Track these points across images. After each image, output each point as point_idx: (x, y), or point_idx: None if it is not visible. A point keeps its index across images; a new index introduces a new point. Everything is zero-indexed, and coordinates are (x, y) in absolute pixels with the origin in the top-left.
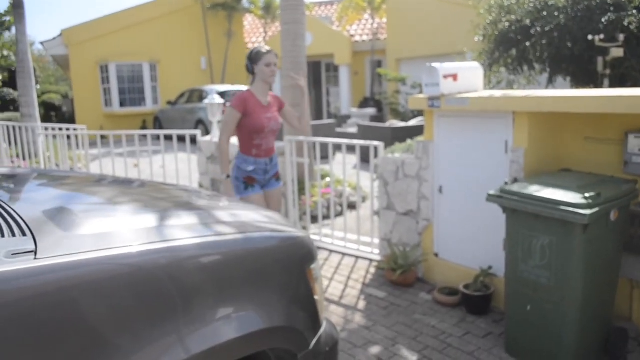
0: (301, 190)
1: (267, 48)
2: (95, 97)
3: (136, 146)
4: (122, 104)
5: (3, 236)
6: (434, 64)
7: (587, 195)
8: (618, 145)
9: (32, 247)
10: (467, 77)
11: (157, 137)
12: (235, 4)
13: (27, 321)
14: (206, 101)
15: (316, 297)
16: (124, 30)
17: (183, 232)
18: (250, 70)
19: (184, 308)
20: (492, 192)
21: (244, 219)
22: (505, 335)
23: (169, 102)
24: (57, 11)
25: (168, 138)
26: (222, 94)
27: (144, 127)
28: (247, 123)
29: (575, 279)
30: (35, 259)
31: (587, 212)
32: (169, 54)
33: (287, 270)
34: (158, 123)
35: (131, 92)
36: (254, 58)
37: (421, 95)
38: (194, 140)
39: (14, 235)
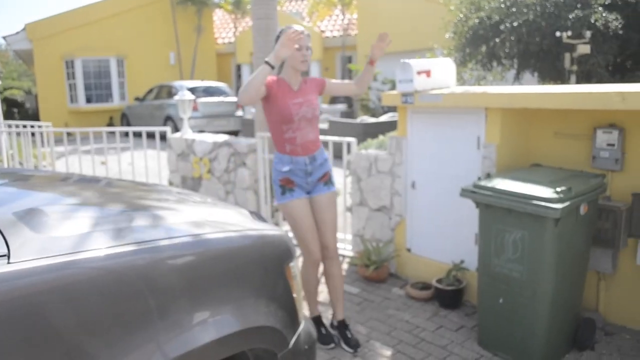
0: (272, 187)
1: (300, 28)
2: (60, 93)
3: (104, 143)
4: (88, 100)
5: None
6: (407, 60)
7: (558, 189)
8: (587, 141)
9: (5, 251)
10: (440, 74)
11: (126, 134)
12: None
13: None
14: (176, 97)
15: (294, 295)
16: (91, 24)
17: (156, 232)
18: None
19: (159, 311)
20: (465, 187)
21: (220, 218)
22: (478, 328)
23: (137, 98)
24: (20, 4)
25: (137, 135)
26: (192, 90)
27: (110, 124)
28: (273, 110)
29: (547, 272)
30: (8, 263)
31: (559, 206)
32: (136, 49)
33: (265, 269)
34: (125, 119)
35: (97, 88)
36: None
37: (394, 92)
38: (163, 137)
39: None
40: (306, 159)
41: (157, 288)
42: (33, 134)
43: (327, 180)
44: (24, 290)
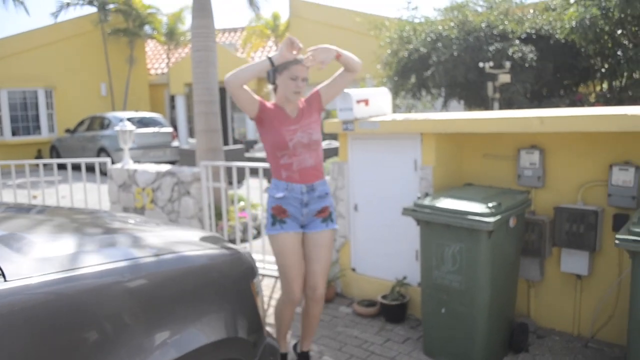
0: (218, 215)
1: (300, 56)
2: None
3: (41, 177)
4: (14, 133)
5: None
6: (347, 90)
7: (489, 205)
8: (512, 161)
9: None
10: (377, 102)
11: (58, 167)
12: (137, 30)
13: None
14: (117, 128)
15: (259, 310)
16: (17, 55)
17: (121, 253)
18: (272, 80)
19: (127, 332)
20: (406, 206)
21: (184, 238)
22: (423, 337)
23: (68, 130)
24: None
25: (66, 168)
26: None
27: (39, 157)
28: (267, 136)
29: (483, 281)
30: (5, 281)
31: (491, 219)
32: (66, 80)
33: (232, 285)
34: (55, 152)
35: (24, 120)
36: (278, 66)
37: (335, 120)
38: (91, 169)
39: None
40: (303, 187)
41: (135, 308)
42: None
43: (326, 216)
44: (21, 305)
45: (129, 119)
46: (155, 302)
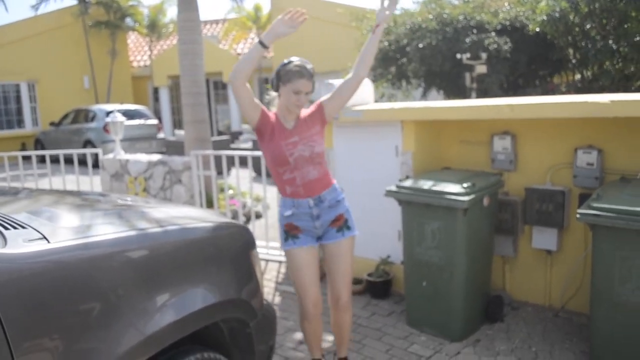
0: (209, 202)
1: (306, 68)
2: None
3: (34, 169)
4: None
5: (7, 230)
6: (331, 81)
7: (464, 185)
8: (486, 146)
9: (40, 235)
10: (359, 91)
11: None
12: (119, 22)
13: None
14: (108, 119)
15: (258, 278)
16: None
17: (147, 224)
18: (274, 87)
19: (158, 283)
20: (389, 188)
21: (192, 214)
22: (406, 310)
23: (52, 123)
24: None
25: (54, 161)
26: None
27: (23, 150)
28: (267, 151)
29: (460, 256)
30: (48, 242)
31: (466, 198)
32: (48, 73)
33: (236, 253)
34: (40, 145)
35: (7, 114)
36: (282, 76)
37: None
38: (83, 161)
39: (15, 229)
40: (310, 200)
41: (154, 267)
42: None
43: (341, 225)
44: (64, 261)
45: (111, 112)
46: (167, 266)
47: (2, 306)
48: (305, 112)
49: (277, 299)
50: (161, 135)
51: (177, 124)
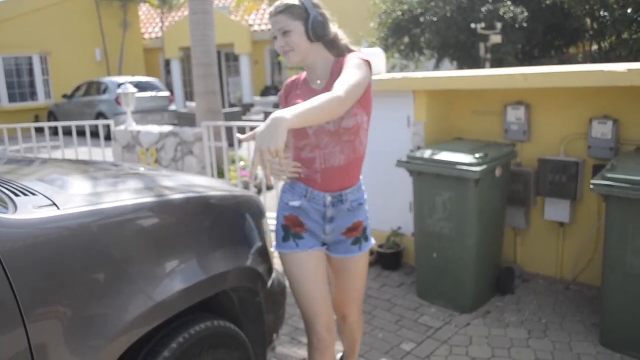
0: (220, 174)
1: (283, 4)
2: None
3: (46, 140)
4: (11, 99)
5: (17, 196)
6: None
7: (476, 155)
8: (499, 116)
9: (50, 202)
10: (372, 62)
11: (55, 133)
12: None
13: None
14: (119, 91)
15: (269, 247)
16: (10, 20)
17: (166, 190)
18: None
19: (165, 254)
20: (400, 158)
21: (208, 183)
22: (416, 281)
23: (65, 96)
24: None
25: (67, 133)
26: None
27: (36, 122)
28: None
29: (471, 227)
30: (58, 209)
31: (477, 169)
32: (60, 45)
33: (246, 222)
34: (53, 117)
35: (20, 86)
36: None
37: None
38: (95, 134)
39: (26, 195)
40: (327, 196)
41: (164, 234)
42: None
43: (358, 235)
44: (72, 227)
45: (123, 84)
46: (177, 233)
47: (12, 271)
48: (339, 66)
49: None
50: (173, 107)
51: (189, 96)
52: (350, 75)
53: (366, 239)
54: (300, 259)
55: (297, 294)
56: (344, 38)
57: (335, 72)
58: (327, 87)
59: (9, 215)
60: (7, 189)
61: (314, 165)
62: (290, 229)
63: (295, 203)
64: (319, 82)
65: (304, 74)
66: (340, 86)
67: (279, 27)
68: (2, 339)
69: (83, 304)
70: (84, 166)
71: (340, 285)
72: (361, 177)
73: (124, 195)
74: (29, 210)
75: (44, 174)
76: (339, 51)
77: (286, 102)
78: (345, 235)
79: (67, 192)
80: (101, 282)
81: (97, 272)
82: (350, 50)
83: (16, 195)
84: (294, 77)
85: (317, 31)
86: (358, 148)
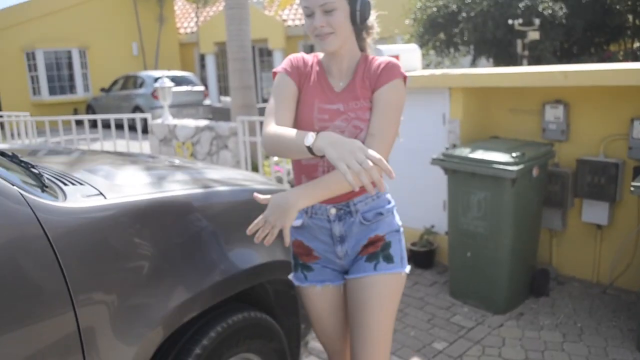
0: (254, 168)
1: None
2: (21, 86)
3: (86, 133)
4: (51, 92)
5: (66, 186)
6: (379, 46)
7: (513, 155)
8: (537, 115)
9: (97, 192)
10: (407, 58)
11: (94, 125)
12: None
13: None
14: (157, 85)
15: None
16: (51, 15)
17: (215, 184)
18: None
19: (206, 245)
20: (435, 156)
21: (246, 176)
22: (449, 280)
23: (103, 89)
24: None
25: (105, 126)
26: (159, 80)
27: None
28: (296, 115)
29: (506, 227)
30: (105, 198)
31: (514, 168)
32: (99, 39)
33: None
34: (91, 111)
35: (60, 80)
36: None
37: None
38: (132, 127)
39: (74, 185)
40: (330, 209)
41: (205, 226)
42: (2, 125)
43: (375, 250)
44: (118, 215)
45: (159, 78)
46: (217, 225)
47: (63, 256)
48: (366, 67)
49: None
50: (207, 101)
51: (223, 90)
52: (390, 122)
53: (388, 258)
54: (310, 294)
55: (313, 326)
56: (375, 28)
57: (360, 73)
58: (349, 93)
59: (60, 204)
60: (56, 178)
61: (316, 173)
62: (298, 259)
63: (297, 222)
64: (341, 83)
65: (315, 57)
66: (378, 144)
67: (322, 3)
68: (54, 321)
69: (128, 291)
70: (126, 158)
71: (356, 319)
72: (385, 184)
73: (168, 186)
74: (78, 199)
75: (89, 165)
76: (364, 44)
77: (300, 89)
78: (363, 254)
79: (111, 182)
80: (145, 271)
81: (141, 260)
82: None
83: (65, 184)
84: (300, 56)
85: (365, 14)
86: None
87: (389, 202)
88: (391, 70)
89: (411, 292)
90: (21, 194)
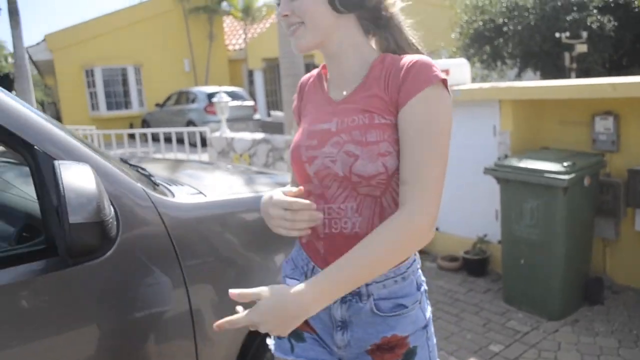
0: None
1: None
2: (81, 102)
3: (149, 146)
4: (109, 108)
5: (171, 186)
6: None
7: (565, 164)
8: (587, 127)
9: (197, 191)
10: (457, 72)
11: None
12: (216, 7)
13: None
14: (214, 99)
15: None
16: (108, 34)
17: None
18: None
19: (276, 247)
20: (487, 166)
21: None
22: (503, 287)
23: (157, 105)
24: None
25: (157, 140)
26: (212, 95)
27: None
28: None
29: (559, 235)
30: (205, 196)
31: (566, 177)
32: (152, 57)
33: None
34: (146, 125)
35: (117, 96)
36: None
37: None
38: (180, 140)
39: (176, 186)
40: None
41: None
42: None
43: (394, 348)
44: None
45: (213, 94)
46: None
47: (178, 243)
48: (384, 69)
49: None
50: (257, 116)
51: (271, 105)
52: (431, 157)
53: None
54: None
55: None
56: (402, 21)
57: (373, 77)
58: (350, 104)
59: (172, 199)
60: (160, 180)
61: (317, 226)
62: None
63: (293, 283)
64: (344, 92)
65: (322, 67)
66: (420, 198)
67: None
68: (171, 300)
69: (226, 275)
70: (207, 165)
71: None
72: (414, 256)
73: (252, 188)
74: (186, 196)
75: (181, 170)
76: (389, 43)
77: (299, 117)
78: (373, 357)
79: (204, 184)
80: (239, 260)
81: (235, 249)
82: (413, 50)
83: (169, 185)
84: (309, 74)
85: None
86: (392, 211)
87: (419, 287)
88: (421, 74)
89: (466, 298)
90: (145, 191)
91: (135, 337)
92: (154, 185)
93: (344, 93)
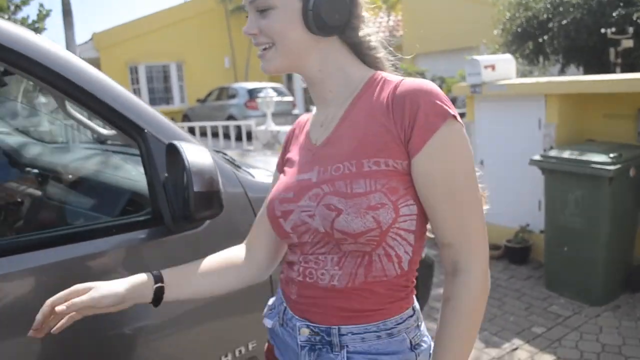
0: None
1: None
2: None
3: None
4: (151, 103)
5: (250, 168)
6: (475, 57)
7: (610, 155)
8: (632, 120)
9: (251, 175)
10: (502, 67)
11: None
12: None
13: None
14: (261, 94)
15: None
16: (152, 32)
17: None
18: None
19: None
20: (533, 157)
21: None
22: (545, 273)
23: (199, 100)
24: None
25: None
26: (252, 91)
27: None
28: None
29: (603, 224)
30: (254, 178)
31: (612, 167)
32: (194, 54)
33: None
34: (187, 120)
35: (159, 92)
36: None
37: (464, 84)
38: (226, 135)
39: (253, 168)
40: (301, 327)
41: None
42: None
43: None
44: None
45: (253, 89)
46: None
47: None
48: (375, 98)
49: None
50: (296, 111)
51: (309, 100)
52: (471, 209)
53: None
54: None
55: None
56: (375, 40)
57: (362, 108)
58: (331, 148)
59: (254, 179)
60: (237, 164)
61: (292, 271)
62: None
63: (268, 323)
64: (328, 129)
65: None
66: (475, 258)
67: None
68: None
69: None
70: (263, 153)
71: None
72: (409, 308)
73: None
74: (265, 177)
75: (245, 158)
76: (373, 60)
77: (282, 169)
78: None
79: (252, 169)
80: None
81: None
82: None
83: (248, 167)
84: (308, 115)
85: (328, 15)
86: (382, 265)
87: (413, 347)
88: (432, 111)
89: (508, 284)
90: (234, 173)
91: (224, 304)
92: (237, 167)
93: (328, 131)
